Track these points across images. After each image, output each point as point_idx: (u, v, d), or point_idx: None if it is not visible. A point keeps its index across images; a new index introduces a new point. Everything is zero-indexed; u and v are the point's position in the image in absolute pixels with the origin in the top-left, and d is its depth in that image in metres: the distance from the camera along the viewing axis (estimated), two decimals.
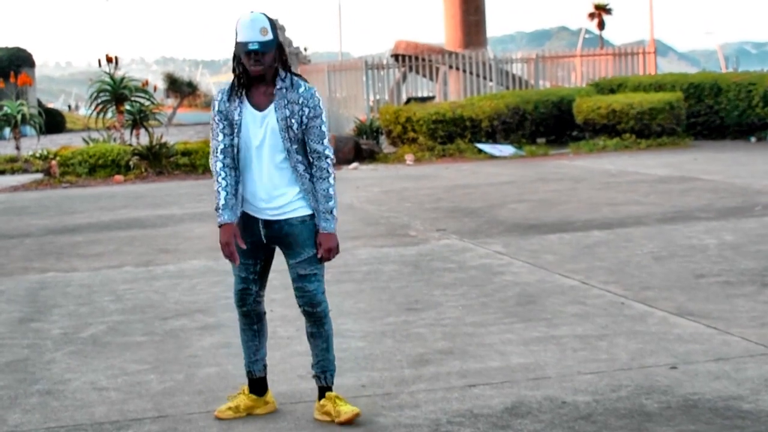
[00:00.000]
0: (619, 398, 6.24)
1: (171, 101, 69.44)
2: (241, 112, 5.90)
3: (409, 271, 10.75)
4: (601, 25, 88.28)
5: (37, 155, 27.74)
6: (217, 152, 5.96)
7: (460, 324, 8.33)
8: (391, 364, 7.23)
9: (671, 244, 11.68)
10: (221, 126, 5.95)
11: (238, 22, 5.78)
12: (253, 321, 6.22)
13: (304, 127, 5.90)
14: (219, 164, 5.95)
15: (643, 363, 6.99)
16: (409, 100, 33.48)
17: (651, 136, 26.30)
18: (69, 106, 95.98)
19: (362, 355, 7.47)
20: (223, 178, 5.93)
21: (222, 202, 5.92)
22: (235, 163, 5.97)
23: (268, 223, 5.96)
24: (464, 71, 32.80)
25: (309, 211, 5.95)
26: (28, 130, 35.31)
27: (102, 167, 24.14)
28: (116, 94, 28.27)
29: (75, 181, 23.17)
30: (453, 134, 26.53)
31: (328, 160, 5.96)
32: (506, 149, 26.02)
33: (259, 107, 5.92)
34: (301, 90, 5.92)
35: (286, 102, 5.88)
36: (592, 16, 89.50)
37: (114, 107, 28.60)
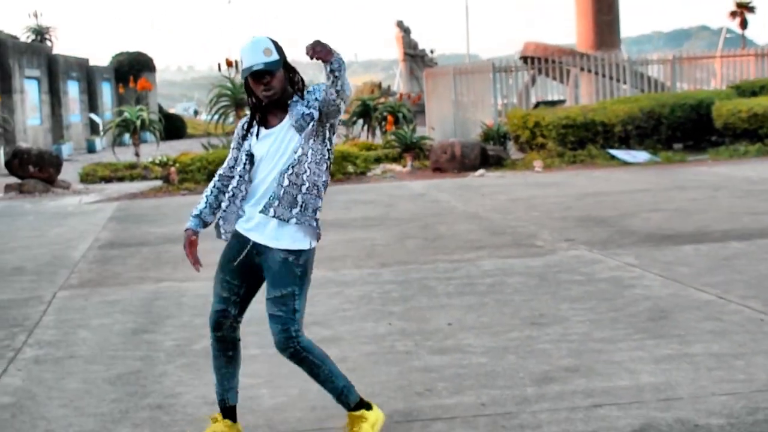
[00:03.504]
0: (755, 422, 6.07)
1: None
2: (251, 145, 5.88)
3: (534, 284, 10.65)
4: (744, 24, 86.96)
5: (156, 162, 28.17)
6: (216, 173, 6.18)
7: (588, 340, 8.21)
8: (513, 381, 7.15)
9: None
10: (235, 144, 6.02)
11: (241, 50, 5.70)
12: (228, 347, 6.18)
13: (321, 106, 5.69)
14: (212, 184, 6.13)
15: None
16: (538, 104, 33.30)
17: None
18: (195, 112, 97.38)
19: (483, 372, 7.40)
20: (209, 194, 6.14)
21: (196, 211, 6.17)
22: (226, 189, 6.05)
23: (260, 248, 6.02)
24: (596, 74, 32.49)
25: (304, 245, 5.88)
26: (148, 136, 35.93)
27: None
28: (236, 99, 28.61)
29: (194, 189, 23.43)
30: (584, 140, 26.32)
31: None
32: (640, 155, 25.70)
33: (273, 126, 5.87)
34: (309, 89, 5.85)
35: (298, 107, 5.77)
36: (733, 14, 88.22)
37: (234, 112, 28.96)
